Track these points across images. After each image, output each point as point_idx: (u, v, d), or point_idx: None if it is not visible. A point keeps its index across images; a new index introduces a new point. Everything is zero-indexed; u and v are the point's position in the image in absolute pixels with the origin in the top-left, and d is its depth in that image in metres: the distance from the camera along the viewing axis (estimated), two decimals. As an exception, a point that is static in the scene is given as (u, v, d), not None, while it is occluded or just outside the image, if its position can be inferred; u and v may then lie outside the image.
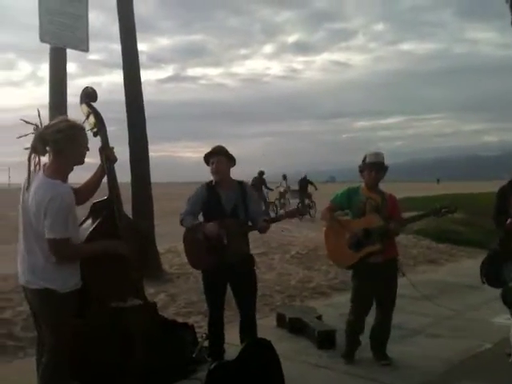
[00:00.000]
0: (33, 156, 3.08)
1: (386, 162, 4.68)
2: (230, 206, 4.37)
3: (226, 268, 4.28)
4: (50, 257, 3.02)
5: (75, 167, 3.24)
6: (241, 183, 4.54)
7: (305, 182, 22.40)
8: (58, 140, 3.05)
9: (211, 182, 4.48)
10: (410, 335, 5.46)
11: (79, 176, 3.65)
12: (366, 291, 4.62)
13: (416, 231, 11.76)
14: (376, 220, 4.55)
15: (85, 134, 3.24)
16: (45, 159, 3.18)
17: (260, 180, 20.28)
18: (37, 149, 3.09)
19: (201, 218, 4.48)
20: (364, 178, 4.71)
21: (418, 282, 7.87)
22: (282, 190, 22.78)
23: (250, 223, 4.43)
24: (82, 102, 3.69)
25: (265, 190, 20.60)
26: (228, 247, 4.25)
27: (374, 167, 4.62)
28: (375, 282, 4.55)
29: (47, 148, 3.10)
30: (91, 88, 3.67)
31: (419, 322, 5.90)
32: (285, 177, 23.28)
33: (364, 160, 4.70)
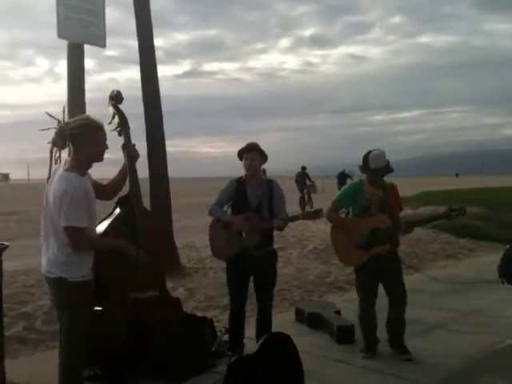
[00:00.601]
0: (54, 150, 3.22)
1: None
2: (255, 203, 4.45)
3: (249, 261, 4.35)
4: (65, 246, 3.10)
5: (102, 163, 3.33)
6: (269, 181, 4.60)
7: (343, 177, 22.42)
8: (75, 135, 3.17)
9: (241, 177, 4.57)
10: (429, 330, 5.40)
11: (109, 172, 3.78)
12: (369, 281, 4.59)
13: (435, 225, 11.62)
14: (385, 220, 4.51)
15: (103, 133, 3.31)
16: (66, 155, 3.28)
17: (303, 174, 22.25)
18: (57, 142, 3.24)
19: (229, 211, 4.58)
20: (367, 176, 4.65)
21: (438, 276, 7.81)
22: None
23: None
24: (108, 104, 3.91)
25: (308, 183, 22.48)
26: (247, 240, 4.35)
27: (381, 173, 4.57)
28: (378, 273, 4.54)
29: (66, 142, 3.20)
30: (117, 91, 3.89)
31: (439, 317, 5.83)
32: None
33: (367, 158, 4.56)
